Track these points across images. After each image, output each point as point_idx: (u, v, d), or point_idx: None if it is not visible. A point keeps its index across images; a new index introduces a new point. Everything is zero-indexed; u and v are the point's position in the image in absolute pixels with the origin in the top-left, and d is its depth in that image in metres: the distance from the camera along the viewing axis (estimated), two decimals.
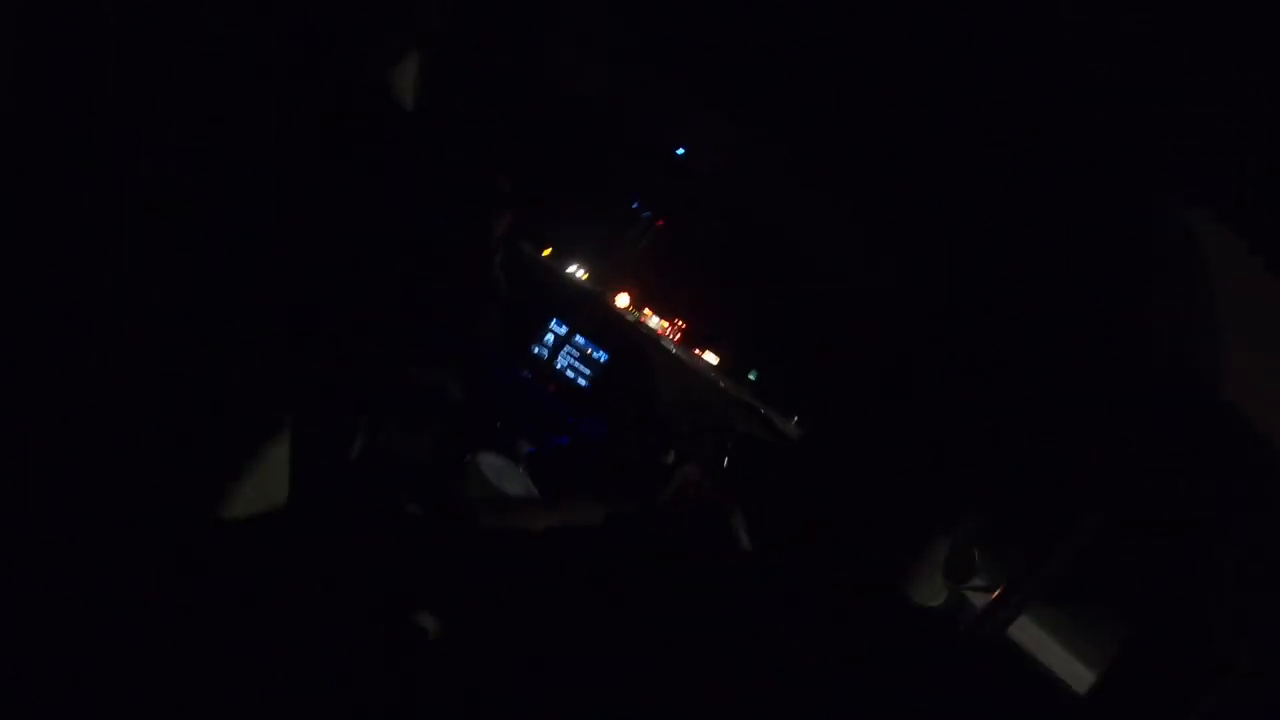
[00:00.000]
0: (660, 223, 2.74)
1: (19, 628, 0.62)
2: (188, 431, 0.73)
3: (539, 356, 2.35)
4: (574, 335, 2.34)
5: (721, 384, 2.45)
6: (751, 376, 2.56)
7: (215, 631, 0.69)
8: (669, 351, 2.51)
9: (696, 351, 2.61)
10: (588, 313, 2.41)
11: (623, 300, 2.64)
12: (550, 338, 2.35)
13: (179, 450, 0.72)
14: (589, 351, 2.32)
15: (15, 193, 0.63)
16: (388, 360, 1.03)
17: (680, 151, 2.31)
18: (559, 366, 2.33)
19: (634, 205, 2.73)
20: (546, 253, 2.49)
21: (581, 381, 2.32)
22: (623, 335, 2.39)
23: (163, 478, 0.71)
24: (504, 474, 1.49)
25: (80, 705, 0.62)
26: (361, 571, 0.78)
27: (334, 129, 0.87)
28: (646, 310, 2.69)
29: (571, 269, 2.64)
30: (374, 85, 0.89)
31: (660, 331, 2.65)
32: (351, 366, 0.92)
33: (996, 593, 0.66)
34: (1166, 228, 0.59)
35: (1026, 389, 0.58)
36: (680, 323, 2.68)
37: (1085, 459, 0.58)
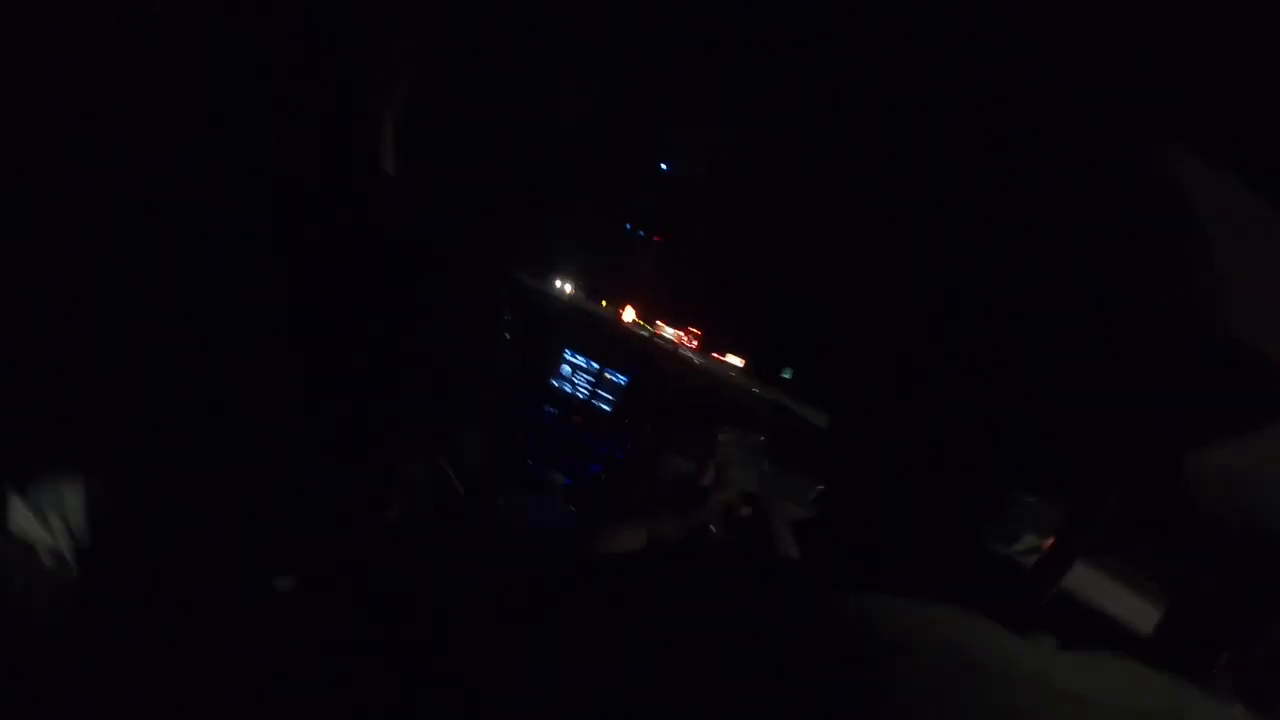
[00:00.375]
0: (658, 239, 2.75)
1: (19, 628, 0.62)
2: (188, 431, 0.72)
3: (560, 390, 2.35)
4: (590, 363, 2.34)
5: (750, 386, 2.45)
6: (786, 375, 2.54)
7: (215, 632, 0.69)
8: (690, 360, 2.51)
9: (716, 356, 2.61)
10: (600, 338, 2.42)
11: (630, 315, 2.65)
12: (567, 369, 2.35)
13: (179, 450, 0.72)
14: (607, 376, 2.34)
15: (15, 193, 0.62)
16: (389, 362, 1.03)
17: (664, 166, 2.32)
18: (581, 396, 2.33)
19: (628, 227, 2.74)
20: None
21: (605, 407, 2.32)
22: (639, 353, 2.40)
23: (162, 477, 0.71)
24: (542, 510, 1.49)
25: (80, 705, 0.62)
26: (362, 572, 0.78)
27: (334, 130, 0.87)
28: (658, 322, 2.70)
29: (575, 297, 2.65)
30: (374, 85, 0.89)
31: (677, 341, 2.65)
32: (351, 366, 0.91)
33: (1047, 545, 0.64)
34: (1167, 227, 0.59)
35: (1039, 367, 0.58)
36: (695, 329, 2.68)
37: (1089, 453, 0.57)
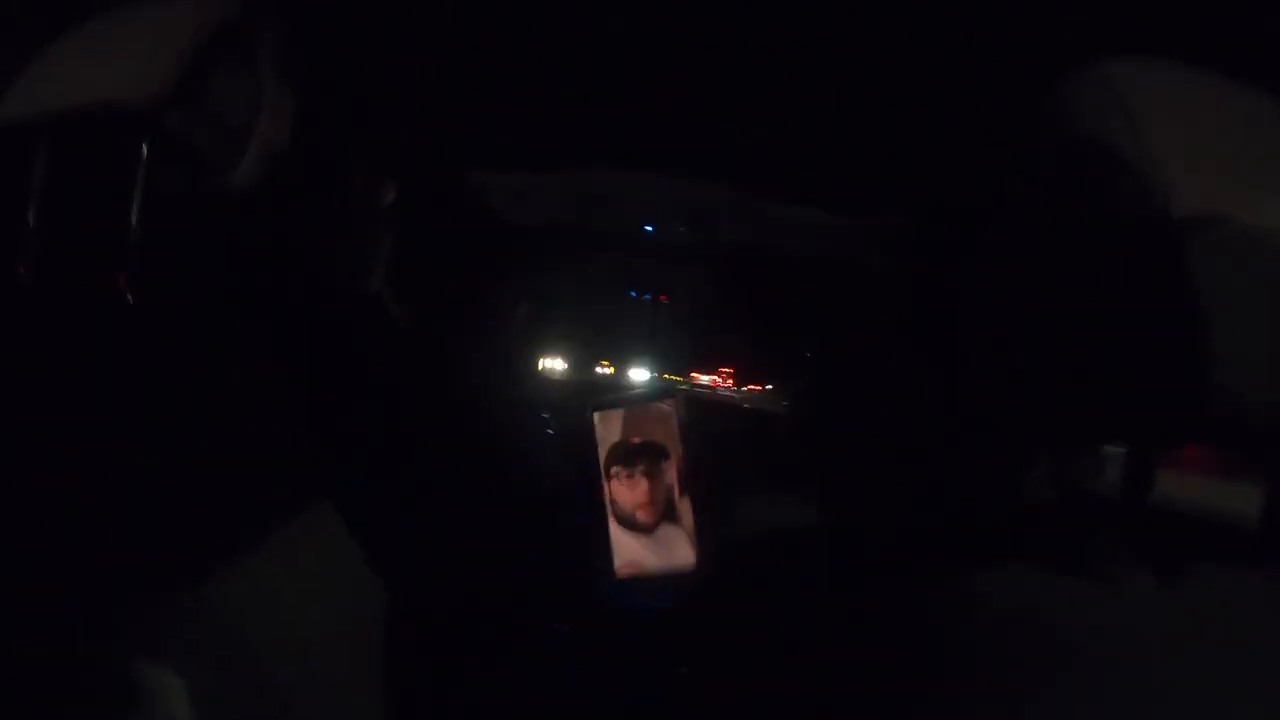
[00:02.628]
0: (664, 298, 2.78)
1: (17, 630, 0.62)
2: (193, 452, 0.72)
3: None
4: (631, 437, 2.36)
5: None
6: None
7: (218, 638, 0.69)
8: (734, 402, 2.52)
9: (754, 387, 2.63)
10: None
11: (658, 376, 2.69)
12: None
13: (184, 469, 0.72)
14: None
15: (15, 193, 0.63)
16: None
17: (649, 229, 2.33)
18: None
19: (632, 294, 2.77)
20: None
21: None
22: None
23: (169, 493, 0.71)
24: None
25: (77, 706, 0.62)
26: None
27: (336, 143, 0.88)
28: (693, 375, 2.73)
29: (603, 374, 2.68)
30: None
31: (714, 385, 2.68)
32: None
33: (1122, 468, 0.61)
34: (1167, 230, 0.58)
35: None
36: (728, 369, 2.70)
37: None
